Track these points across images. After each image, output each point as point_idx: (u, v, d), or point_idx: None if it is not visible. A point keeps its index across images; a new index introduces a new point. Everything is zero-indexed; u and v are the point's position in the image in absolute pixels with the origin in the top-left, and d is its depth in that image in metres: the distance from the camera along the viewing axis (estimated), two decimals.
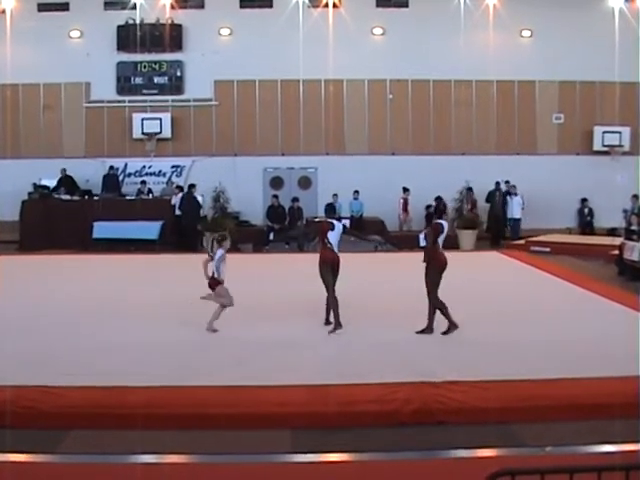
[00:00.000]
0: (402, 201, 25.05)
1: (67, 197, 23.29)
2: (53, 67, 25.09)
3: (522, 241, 22.66)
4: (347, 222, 22.97)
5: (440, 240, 10.51)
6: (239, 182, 24.95)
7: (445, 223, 10.79)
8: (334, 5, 25.26)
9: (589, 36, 25.05)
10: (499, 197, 24.28)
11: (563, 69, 25.40)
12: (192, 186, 23.35)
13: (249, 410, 7.37)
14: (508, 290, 14.59)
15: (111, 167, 24.75)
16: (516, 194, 24.30)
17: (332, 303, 10.47)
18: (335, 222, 10.84)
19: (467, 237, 22.96)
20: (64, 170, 24.19)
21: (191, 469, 6.41)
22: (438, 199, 24.42)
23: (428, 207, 24.82)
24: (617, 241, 18.21)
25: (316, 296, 10.63)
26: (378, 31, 25.88)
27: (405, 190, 24.78)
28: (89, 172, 24.84)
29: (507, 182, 24.44)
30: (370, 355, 9.34)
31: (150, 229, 22.19)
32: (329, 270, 10.50)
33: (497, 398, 7.56)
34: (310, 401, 7.50)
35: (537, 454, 6.46)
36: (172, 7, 25.26)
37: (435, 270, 10.35)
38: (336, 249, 10.64)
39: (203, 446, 6.81)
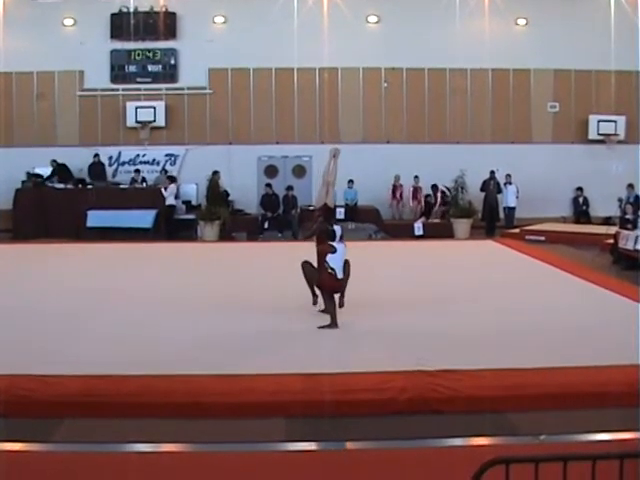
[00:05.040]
0: (412, 190, 25.06)
1: (61, 186, 23.27)
2: (46, 55, 24.91)
3: (517, 230, 22.68)
4: (342, 211, 23.31)
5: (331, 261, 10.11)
6: (233, 171, 24.94)
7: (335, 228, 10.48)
8: None
9: (585, 24, 25.01)
10: (494, 186, 24.29)
11: (558, 57, 25.35)
12: (216, 173, 23.42)
13: (244, 398, 7.37)
14: (503, 279, 14.61)
15: (96, 154, 24.70)
16: (511, 183, 24.30)
17: (330, 308, 10.19)
18: (337, 245, 10.18)
19: (461, 226, 23.00)
20: (54, 162, 24.05)
21: (186, 458, 6.42)
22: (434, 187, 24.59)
23: (427, 196, 24.90)
24: (612, 230, 18.24)
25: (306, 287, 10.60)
26: (373, 19, 25.79)
27: (415, 177, 24.81)
28: (82, 161, 24.75)
29: (497, 171, 24.41)
30: (365, 343, 9.35)
31: (144, 218, 22.22)
32: (328, 294, 10.18)
33: (492, 386, 7.57)
34: (305, 389, 7.51)
35: (531, 443, 6.48)
36: None
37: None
38: (340, 274, 10.06)
39: (198, 435, 6.82)
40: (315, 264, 10.29)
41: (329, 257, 10.06)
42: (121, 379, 7.65)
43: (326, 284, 10.13)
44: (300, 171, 26.11)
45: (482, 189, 24.30)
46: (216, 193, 22.94)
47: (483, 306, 11.66)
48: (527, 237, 21.50)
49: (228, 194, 24.12)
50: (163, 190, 22.92)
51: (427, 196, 24.92)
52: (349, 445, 6.64)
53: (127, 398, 7.32)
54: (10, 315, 10.99)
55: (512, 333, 9.85)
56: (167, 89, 25.67)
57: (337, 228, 10.52)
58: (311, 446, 6.60)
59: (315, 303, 10.43)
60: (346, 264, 10.19)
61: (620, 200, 20.83)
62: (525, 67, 25.85)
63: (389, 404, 7.36)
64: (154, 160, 25.76)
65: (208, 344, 9.31)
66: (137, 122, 25.22)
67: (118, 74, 25.59)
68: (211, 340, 9.51)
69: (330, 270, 10.04)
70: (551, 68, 25.82)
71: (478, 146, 25.44)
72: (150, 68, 25.65)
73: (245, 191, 25.31)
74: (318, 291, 10.41)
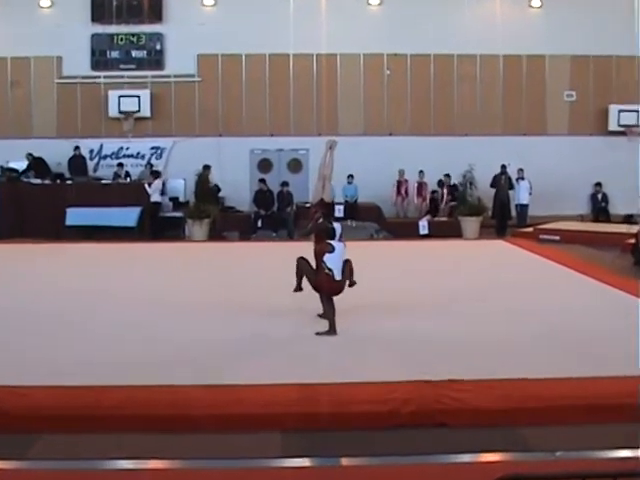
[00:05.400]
0: (416, 185, 25.17)
1: (37, 181, 23.23)
2: (21, 40, 24.86)
3: (530, 229, 22.66)
4: (341, 208, 23.31)
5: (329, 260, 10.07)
6: (224, 165, 24.91)
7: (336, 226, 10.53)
8: None
9: (604, 6, 24.97)
10: (505, 181, 24.29)
11: (576, 42, 25.34)
12: (207, 167, 23.40)
13: (235, 411, 7.36)
14: (514, 282, 14.58)
15: (76, 147, 24.73)
16: (523, 178, 24.31)
17: (328, 312, 10.17)
18: (335, 243, 10.17)
19: (470, 224, 22.96)
20: (30, 155, 24.02)
21: (172, 475, 6.41)
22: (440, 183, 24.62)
23: (433, 192, 24.91)
24: (633, 229, 18.23)
25: (307, 289, 10.60)
26: (375, 1, 25.80)
27: (420, 172, 24.89)
28: (61, 154, 24.72)
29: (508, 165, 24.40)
30: (366, 351, 9.34)
31: (128, 216, 22.20)
32: (326, 296, 10.17)
33: (503, 398, 7.56)
34: (301, 401, 7.50)
35: (546, 459, 6.47)
36: None
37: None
38: (338, 276, 10.02)
39: (185, 450, 6.80)
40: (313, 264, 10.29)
41: (327, 257, 10.03)
42: (101, 390, 7.63)
43: (323, 286, 10.10)
44: (296, 165, 26.13)
45: (492, 185, 24.32)
46: (206, 189, 22.88)
47: (493, 311, 11.66)
48: (541, 237, 21.49)
49: (219, 189, 24.10)
50: (147, 186, 22.90)
51: (433, 192, 24.95)
52: (348, 461, 6.63)
53: (108, 411, 7.31)
54: None
55: (524, 340, 9.84)
56: (153, 77, 25.67)
57: (337, 226, 10.52)
58: (307, 462, 6.59)
59: (296, 290, 10.43)
60: (347, 263, 10.18)
61: None
62: (539, 53, 25.86)
63: (391, 417, 7.36)
64: (138, 153, 25.76)
65: (197, 351, 9.30)
66: (120, 112, 25.21)
67: (99, 60, 25.58)
68: (200, 347, 9.50)
69: (327, 271, 10.01)
70: (568, 54, 25.83)
71: (488, 138, 25.46)
72: (134, 54, 25.65)
73: (237, 187, 25.30)
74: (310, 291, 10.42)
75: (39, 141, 24.66)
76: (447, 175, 24.59)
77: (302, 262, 10.30)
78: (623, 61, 25.54)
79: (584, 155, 25.41)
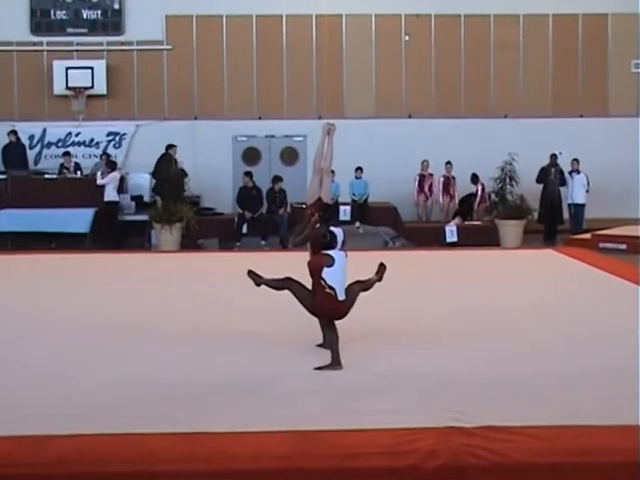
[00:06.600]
0: (443, 180, 25.17)
1: None
2: None
3: (587, 235, 22.69)
4: (347, 209, 23.31)
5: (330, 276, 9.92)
6: (200, 154, 24.94)
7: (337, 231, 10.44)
8: None
9: None
10: (555, 175, 24.28)
11: None
12: (170, 147, 23.39)
13: (212, 466, 7.33)
14: (568, 302, 14.58)
15: (11, 132, 24.68)
16: (579, 171, 24.30)
17: (330, 341, 10.09)
18: (335, 254, 9.97)
19: (511, 230, 22.94)
20: None
21: None
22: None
23: (470, 195, 24.82)
24: None
25: (301, 312, 10.57)
26: None
27: (447, 164, 24.89)
28: None
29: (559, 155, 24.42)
30: (378, 389, 9.32)
31: (78, 219, 22.24)
32: (327, 321, 10.10)
33: (552, 450, 7.54)
34: (295, 453, 7.48)
35: None
36: None
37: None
38: (341, 295, 9.88)
39: None
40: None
41: (325, 272, 9.87)
42: (43, 441, 7.60)
43: (324, 309, 10.01)
44: (291, 156, 26.19)
45: (539, 180, 24.33)
46: (169, 173, 22.64)
47: (543, 340, 11.62)
48: (602, 245, 21.52)
49: (185, 174, 23.73)
50: (99, 178, 22.73)
51: (470, 195, 24.85)
52: None
53: (52, 468, 7.28)
54: None
55: (581, 377, 9.80)
56: (109, 44, 25.71)
57: (338, 231, 10.39)
58: None
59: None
60: (351, 289, 10.11)
61: None
62: (600, 11, 25.84)
63: (411, 473, 7.33)
64: (92, 141, 25.83)
65: (165, 390, 9.26)
66: (68, 88, 25.24)
67: (41, 22, 25.64)
68: (169, 385, 9.47)
69: (328, 290, 9.87)
70: (637, 11, 25.79)
71: (533, 121, 25.52)
72: (85, 14, 25.71)
73: (216, 183, 25.35)
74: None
75: None
76: (475, 175, 24.53)
77: (293, 284, 10.18)
78: None
79: None
